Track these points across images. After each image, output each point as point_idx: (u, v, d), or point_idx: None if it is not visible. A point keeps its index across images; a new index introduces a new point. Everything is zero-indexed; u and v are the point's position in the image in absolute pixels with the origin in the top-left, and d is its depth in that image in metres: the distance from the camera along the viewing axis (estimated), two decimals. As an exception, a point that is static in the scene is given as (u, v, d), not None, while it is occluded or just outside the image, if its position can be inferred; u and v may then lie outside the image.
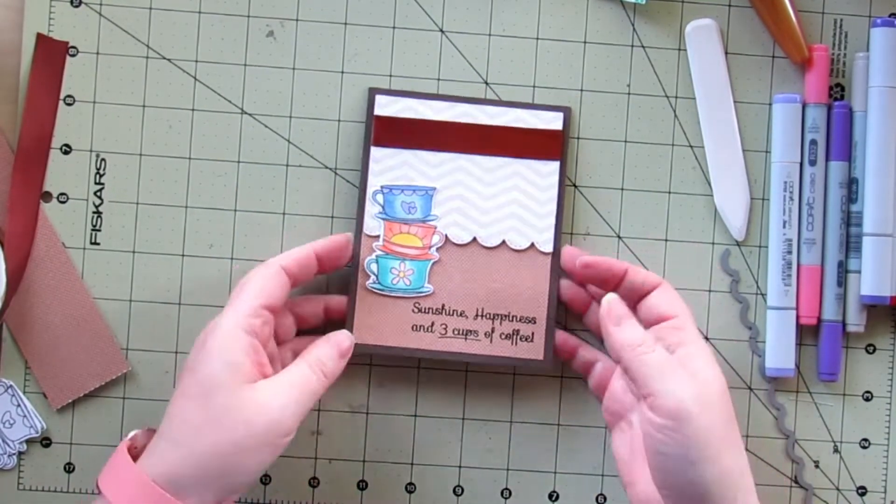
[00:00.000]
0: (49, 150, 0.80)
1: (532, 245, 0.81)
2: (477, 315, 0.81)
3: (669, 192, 0.82)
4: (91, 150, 0.80)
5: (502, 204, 0.81)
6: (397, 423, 0.82)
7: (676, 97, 0.82)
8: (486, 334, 0.81)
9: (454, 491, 0.82)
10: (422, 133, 0.80)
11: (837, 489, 0.83)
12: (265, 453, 0.70)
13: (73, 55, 0.80)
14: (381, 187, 0.80)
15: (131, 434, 0.73)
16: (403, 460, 0.82)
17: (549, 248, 0.81)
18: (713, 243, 0.83)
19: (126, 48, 0.80)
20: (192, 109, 0.81)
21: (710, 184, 0.82)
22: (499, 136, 0.81)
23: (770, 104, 0.82)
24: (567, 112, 0.81)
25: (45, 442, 0.81)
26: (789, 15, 0.81)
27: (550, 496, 0.82)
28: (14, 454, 0.80)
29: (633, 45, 0.82)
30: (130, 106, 0.80)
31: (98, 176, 0.80)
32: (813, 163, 0.82)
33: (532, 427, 0.82)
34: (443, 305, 0.81)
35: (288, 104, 0.81)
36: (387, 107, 0.80)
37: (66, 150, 0.80)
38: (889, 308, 0.83)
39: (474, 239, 0.81)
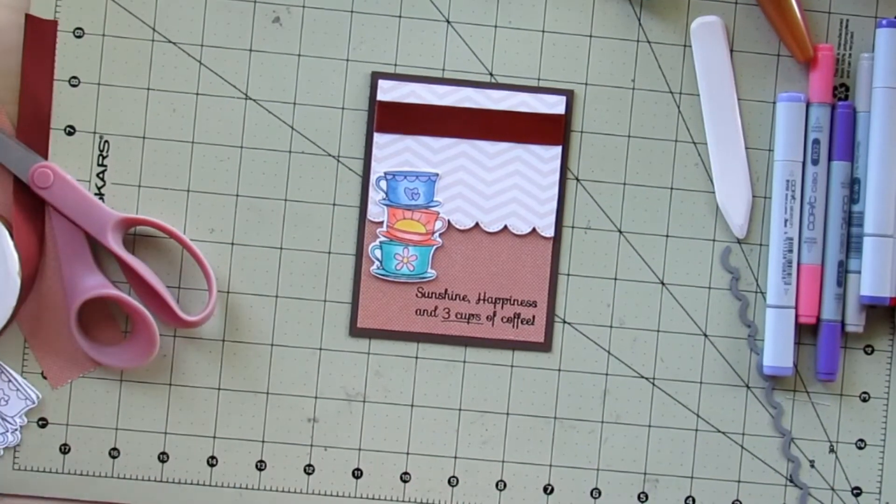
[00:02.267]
0: (49, 130, 0.80)
1: (533, 230, 0.81)
2: (479, 299, 0.81)
3: (671, 188, 0.82)
4: (95, 132, 0.80)
5: (504, 189, 0.81)
6: (394, 412, 0.82)
7: (681, 93, 0.82)
8: (487, 318, 0.81)
9: (449, 481, 0.82)
10: (424, 118, 0.80)
11: (832, 489, 0.83)
12: None
13: (79, 36, 0.80)
14: (385, 173, 0.80)
15: None
16: (399, 449, 0.82)
17: (550, 233, 0.81)
18: (714, 240, 0.83)
19: (132, 31, 0.80)
20: (197, 94, 0.81)
21: (712, 181, 0.82)
22: (501, 121, 0.81)
23: (774, 102, 0.82)
24: (569, 96, 0.81)
25: (42, 422, 0.81)
26: (795, 14, 0.81)
27: (545, 489, 0.82)
28: (16, 429, 0.80)
29: (638, 40, 0.82)
30: (135, 88, 0.80)
31: (101, 157, 0.80)
32: (815, 162, 0.82)
33: (528, 420, 0.82)
34: (446, 290, 0.81)
35: (292, 91, 0.81)
36: (389, 91, 0.81)
37: (70, 131, 0.80)
38: (888, 309, 0.83)
39: (477, 224, 0.81)
